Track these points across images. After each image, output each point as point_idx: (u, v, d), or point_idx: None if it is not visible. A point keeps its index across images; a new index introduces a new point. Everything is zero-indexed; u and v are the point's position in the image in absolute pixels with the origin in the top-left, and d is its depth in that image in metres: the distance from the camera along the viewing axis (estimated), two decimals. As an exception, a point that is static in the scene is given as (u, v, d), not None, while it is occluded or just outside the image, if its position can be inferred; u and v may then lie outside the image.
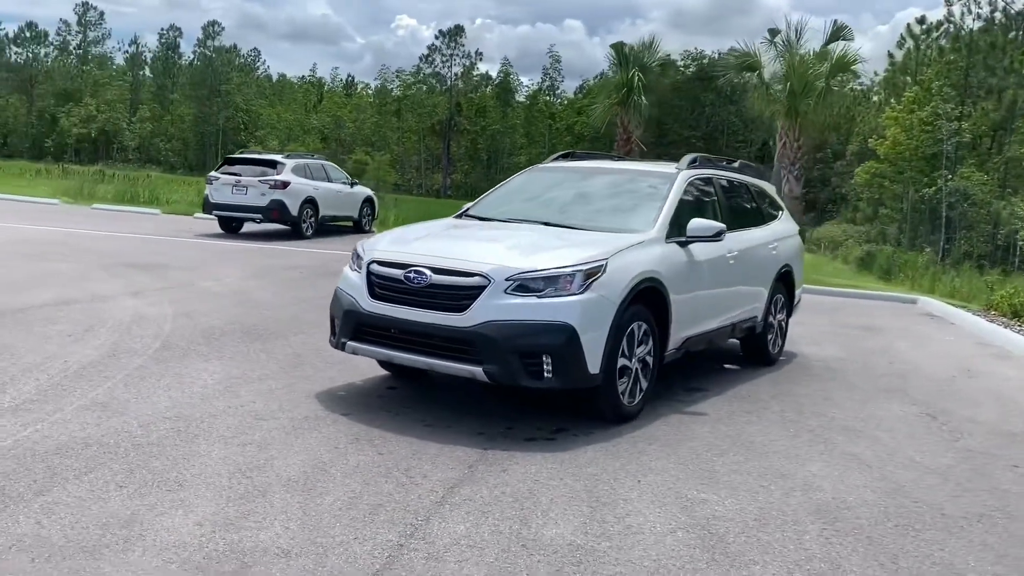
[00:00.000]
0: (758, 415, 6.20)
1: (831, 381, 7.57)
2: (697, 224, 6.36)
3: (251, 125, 73.09)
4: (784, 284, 8.37)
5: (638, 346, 5.74)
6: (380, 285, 5.58)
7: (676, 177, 6.84)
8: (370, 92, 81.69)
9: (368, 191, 21.62)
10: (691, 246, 6.42)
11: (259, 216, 17.56)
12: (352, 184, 20.61)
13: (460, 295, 5.26)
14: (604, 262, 5.47)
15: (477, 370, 5.20)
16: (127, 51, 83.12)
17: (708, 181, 7.34)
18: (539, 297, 5.23)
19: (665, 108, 47.35)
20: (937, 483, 4.94)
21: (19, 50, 77.34)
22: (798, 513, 4.30)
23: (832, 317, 11.59)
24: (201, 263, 12.67)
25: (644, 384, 5.85)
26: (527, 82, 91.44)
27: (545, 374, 5.18)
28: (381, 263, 5.63)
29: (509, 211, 6.86)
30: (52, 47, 78.87)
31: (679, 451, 5.18)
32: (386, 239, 6.14)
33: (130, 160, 66.07)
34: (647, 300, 5.84)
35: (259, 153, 22.76)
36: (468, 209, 7.16)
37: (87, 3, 79.42)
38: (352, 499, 4.08)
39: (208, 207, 18.13)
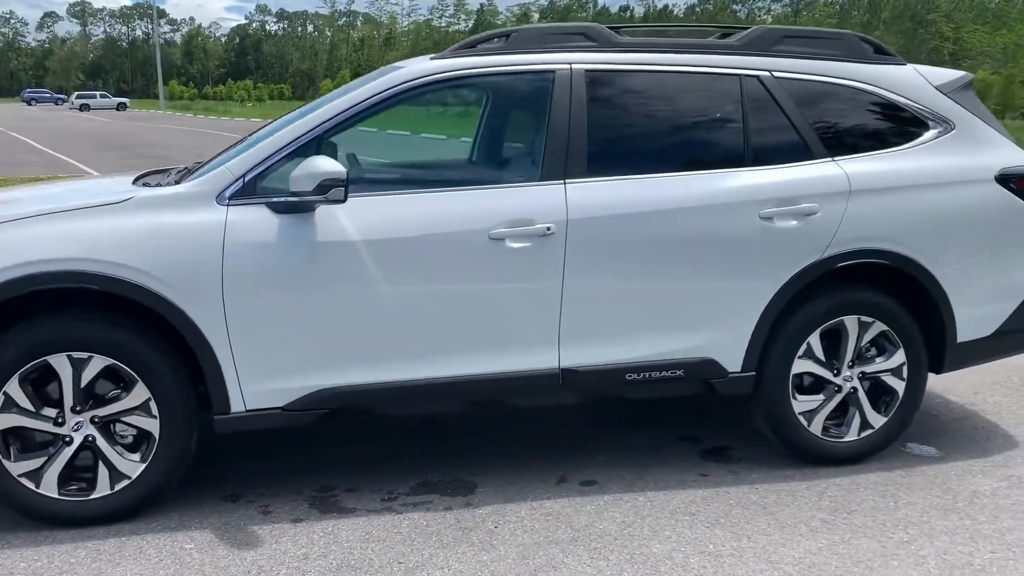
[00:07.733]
0: None
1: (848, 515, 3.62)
2: (297, 173, 3.34)
3: (958, 54, 65.46)
4: (881, 290, 3.98)
5: (76, 406, 3.34)
6: None
7: (377, 80, 3.75)
8: None
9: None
10: (321, 211, 3.41)
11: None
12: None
13: None
14: None
15: None
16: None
17: (532, 75, 3.79)
18: None
19: None
20: None
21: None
22: None
23: None
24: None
25: (111, 478, 3.40)
26: None
27: None
28: None
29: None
30: None
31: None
32: None
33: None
34: (126, 320, 3.36)
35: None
36: None
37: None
38: None
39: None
